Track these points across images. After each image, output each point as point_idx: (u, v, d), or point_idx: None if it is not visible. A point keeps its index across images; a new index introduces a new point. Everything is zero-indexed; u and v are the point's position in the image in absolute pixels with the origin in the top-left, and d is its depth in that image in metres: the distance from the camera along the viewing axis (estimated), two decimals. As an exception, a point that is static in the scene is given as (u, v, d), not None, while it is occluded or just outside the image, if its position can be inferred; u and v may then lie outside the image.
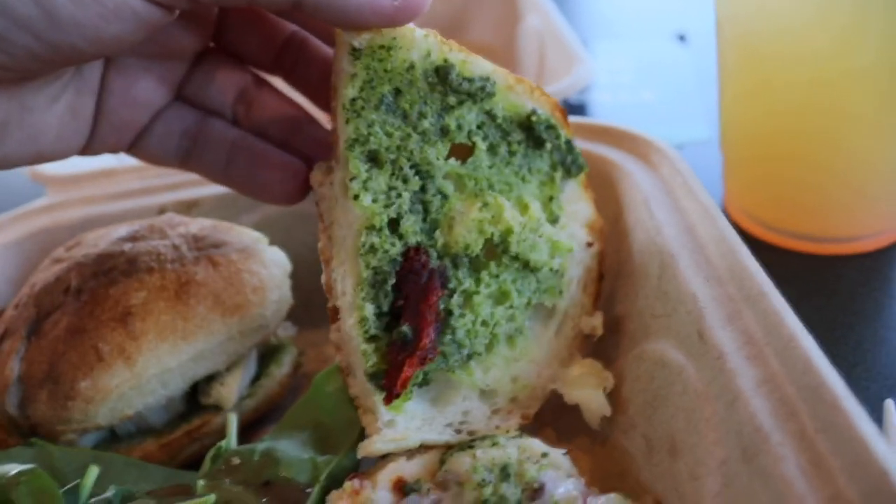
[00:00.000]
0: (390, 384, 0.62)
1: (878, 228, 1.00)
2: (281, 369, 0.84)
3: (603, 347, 0.76)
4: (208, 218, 0.90)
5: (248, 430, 0.78)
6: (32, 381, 0.73)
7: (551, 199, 0.69)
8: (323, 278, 0.66)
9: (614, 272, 0.79)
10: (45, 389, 0.72)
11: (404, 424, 0.64)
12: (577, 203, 0.72)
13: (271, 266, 0.81)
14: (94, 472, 0.61)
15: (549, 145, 0.68)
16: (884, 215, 0.99)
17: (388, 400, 0.62)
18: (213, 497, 0.57)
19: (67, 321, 0.74)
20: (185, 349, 0.73)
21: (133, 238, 0.81)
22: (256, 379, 0.83)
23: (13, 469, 0.59)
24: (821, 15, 0.86)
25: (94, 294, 0.75)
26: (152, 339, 0.72)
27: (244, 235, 0.83)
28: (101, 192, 1.03)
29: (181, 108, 0.71)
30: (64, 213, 1.00)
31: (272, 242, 0.86)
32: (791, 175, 0.98)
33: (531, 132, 0.67)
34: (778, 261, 1.00)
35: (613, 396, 0.70)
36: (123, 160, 1.21)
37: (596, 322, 0.71)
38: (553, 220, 0.69)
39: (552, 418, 0.71)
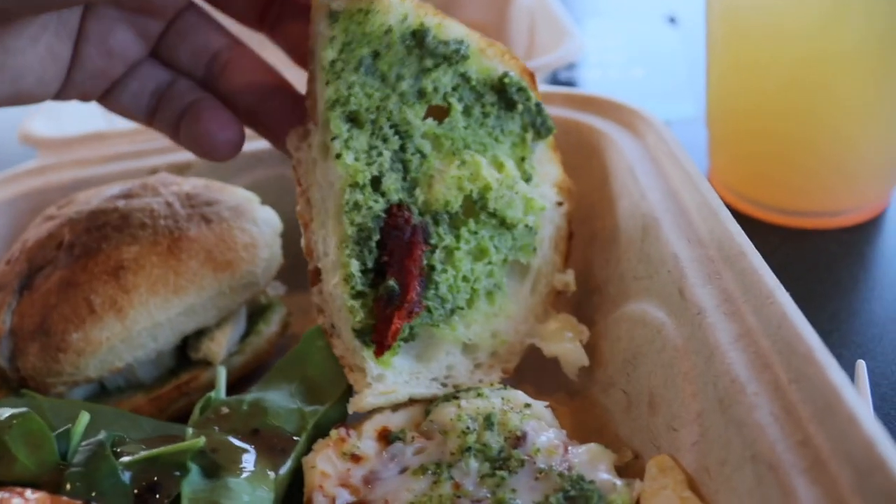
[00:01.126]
0: (380, 337, 0.64)
1: (858, 204, 1.02)
2: (269, 327, 0.86)
3: (585, 310, 0.77)
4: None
5: (236, 387, 0.80)
6: (23, 334, 0.74)
7: (523, 159, 0.72)
8: (303, 242, 0.68)
9: (598, 237, 0.80)
10: (37, 342, 0.73)
11: (392, 379, 0.66)
12: (546, 164, 0.74)
13: (262, 224, 0.82)
14: (85, 417, 0.62)
15: (520, 107, 0.70)
16: (863, 191, 1.01)
17: (380, 352, 0.64)
18: (202, 440, 0.58)
19: (59, 275, 0.75)
20: (176, 303, 0.75)
21: (126, 196, 0.82)
22: (245, 336, 0.85)
23: (5, 413, 0.60)
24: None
25: (86, 248, 0.76)
26: (144, 293, 0.73)
27: (236, 194, 0.84)
28: (92, 154, 1.04)
29: (155, 67, 0.72)
30: (55, 174, 1.01)
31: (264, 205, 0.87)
32: (774, 150, 1.00)
33: (503, 94, 0.69)
34: (759, 234, 1.01)
35: (594, 356, 0.72)
36: (114, 124, 1.22)
37: (568, 279, 0.74)
38: (527, 178, 0.72)
39: (534, 377, 0.73)
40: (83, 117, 1.26)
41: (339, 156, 0.63)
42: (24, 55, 0.61)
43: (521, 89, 0.70)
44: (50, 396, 0.73)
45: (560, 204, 0.75)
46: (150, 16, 0.69)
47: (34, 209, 0.97)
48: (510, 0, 1.58)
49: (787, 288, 0.87)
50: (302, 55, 0.73)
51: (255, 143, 0.96)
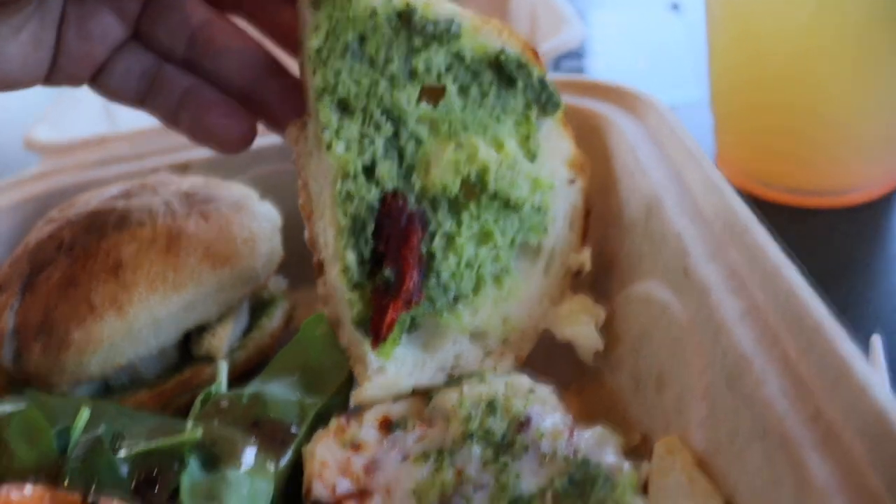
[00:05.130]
0: (376, 329, 0.63)
1: (866, 181, 1.00)
2: (272, 322, 0.85)
3: (591, 293, 0.76)
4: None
5: (239, 382, 0.78)
6: (26, 334, 0.73)
7: (528, 137, 0.69)
8: (306, 234, 0.67)
9: (603, 218, 0.79)
10: (39, 341, 0.72)
11: (395, 370, 0.64)
12: (556, 141, 0.71)
13: (261, 219, 0.82)
14: (85, 413, 0.61)
15: (520, 84, 0.67)
16: (873, 166, 0.99)
17: (375, 344, 0.63)
18: (199, 431, 0.57)
19: (60, 274, 0.75)
20: (176, 299, 0.74)
21: (125, 195, 0.82)
22: (248, 331, 0.84)
23: (5, 408, 0.59)
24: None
25: (85, 248, 0.75)
26: (143, 290, 0.73)
27: (235, 190, 0.84)
28: (94, 158, 1.04)
29: (140, 50, 0.70)
30: (58, 179, 1.01)
31: (264, 200, 0.87)
32: (780, 124, 0.98)
33: (501, 72, 0.66)
34: (768, 214, 0.97)
35: (602, 337, 0.70)
36: (115, 127, 1.22)
37: (584, 258, 0.70)
38: (531, 157, 0.69)
39: (540, 360, 0.71)
40: (87, 124, 1.26)
41: (329, 146, 0.62)
42: (9, 44, 0.60)
43: (520, 65, 0.66)
44: (54, 395, 0.73)
45: (572, 181, 0.71)
46: None
47: (38, 214, 0.97)
48: (511, -9, 1.57)
49: (799, 267, 0.85)
50: (288, 41, 0.71)
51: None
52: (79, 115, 1.27)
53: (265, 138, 0.91)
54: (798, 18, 0.90)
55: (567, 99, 0.89)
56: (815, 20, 0.88)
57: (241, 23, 0.73)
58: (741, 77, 1.01)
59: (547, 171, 0.70)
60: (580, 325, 0.68)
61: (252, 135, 0.70)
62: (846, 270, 0.90)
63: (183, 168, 0.97)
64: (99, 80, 0.70)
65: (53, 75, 0.66)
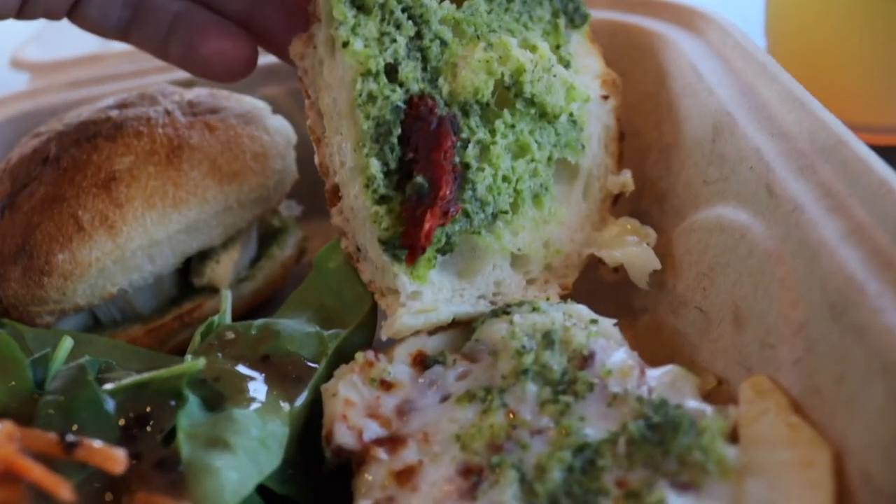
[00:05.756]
0: (412, 240, 0.55)
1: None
2: (284, 251, 0.77)
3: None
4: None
5: (246, 319, 0.71)
6: (4, 258, 0.66)
7: (558, 47, 0.65)
8: (317, 159, 0.62)
9: (654, 147, 0.71)
10: (19, 265, 0.65)
11: (432, 296, 0.57)
12: (585, 57, 0.68)
13: (274, 133, 0.74)
14: (67, 342, 0.53)
15: None
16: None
17: (412, 258, 0.56)
18: (201, 361, 0.48)
19: (44, 191, 0.67)
20: (176, 218, 0.66)
21: (121, 105, 0.74)
22: (256, 260, 0.76)
23: (-25, 335, 0.51)
24: None
25: (74, 160, 0.67)
26: (139, 207, 0.65)
27: (244, 102, 0.76)
28: (87, 75, 0.96)
29: None
30: (47, 97, 0.93)
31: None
32: (844, 56, 0.90)
33: None
34: None
35: (659, 275, 0.62)
36: (111, 46, 1.13)
37: (624, 180, 0.65)
38: (565, 64, 0.65)
39: (587, 301, 0.63)
40: (82, 44, 1.17)
41: (346, 44, 0.56)
42: None
43: None
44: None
45: (606, 98, 0.67)
46: None
47: (24, 133, 0.89)
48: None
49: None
50: None
51: (265, 57, 0.88)
52: (73, 35, 1.18)
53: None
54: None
55: (613, 16, 0.81)
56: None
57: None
58: (802, 8, 0.93)
59: (581, 81, 0.66)
60: (630, 246, 0.62)
61: (253, 59, 0.66)
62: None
63: (187, 86, 0.88)
64: (78, 10, 0.65)
65: (28, 7, 0.62)
